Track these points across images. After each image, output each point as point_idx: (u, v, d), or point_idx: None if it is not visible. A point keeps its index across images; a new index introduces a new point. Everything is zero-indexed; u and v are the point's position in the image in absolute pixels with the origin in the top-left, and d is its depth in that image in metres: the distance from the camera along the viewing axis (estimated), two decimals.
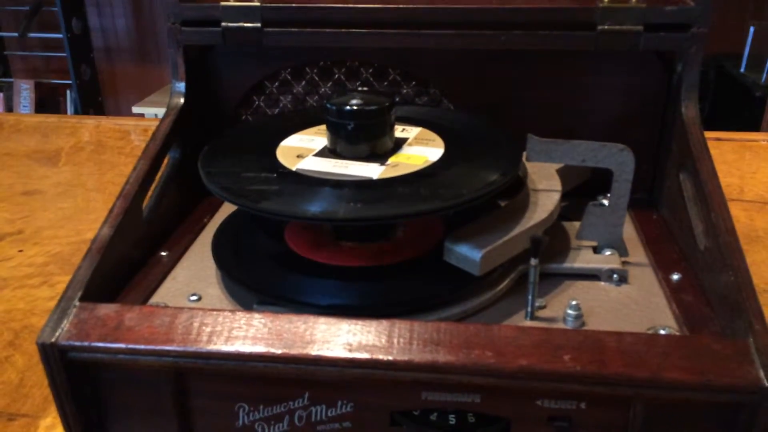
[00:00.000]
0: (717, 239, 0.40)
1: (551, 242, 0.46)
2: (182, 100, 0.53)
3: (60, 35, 2.63)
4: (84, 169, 1.03)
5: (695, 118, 0.48)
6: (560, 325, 0.40)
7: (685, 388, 0.33)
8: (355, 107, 0.42)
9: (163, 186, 0.50)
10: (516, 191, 0.45)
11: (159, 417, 0.39)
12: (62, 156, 1.08)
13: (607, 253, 0.45)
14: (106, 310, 0.38)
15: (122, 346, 0.36)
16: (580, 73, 0.53)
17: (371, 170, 0.42)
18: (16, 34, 2.72)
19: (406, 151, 0.44)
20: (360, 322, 0.36)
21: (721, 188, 0.43)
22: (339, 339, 0.36)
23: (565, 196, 0.50)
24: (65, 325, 0.37)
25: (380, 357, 0.35)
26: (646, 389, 0.34)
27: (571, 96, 0.54)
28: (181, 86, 0.53)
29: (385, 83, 0.56)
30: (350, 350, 0.35)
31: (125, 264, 0.45)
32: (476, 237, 0.40)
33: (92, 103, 2.75)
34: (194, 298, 0.43)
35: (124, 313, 0.38)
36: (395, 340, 0.36)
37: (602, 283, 0.44)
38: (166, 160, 0.52)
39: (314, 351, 0.35)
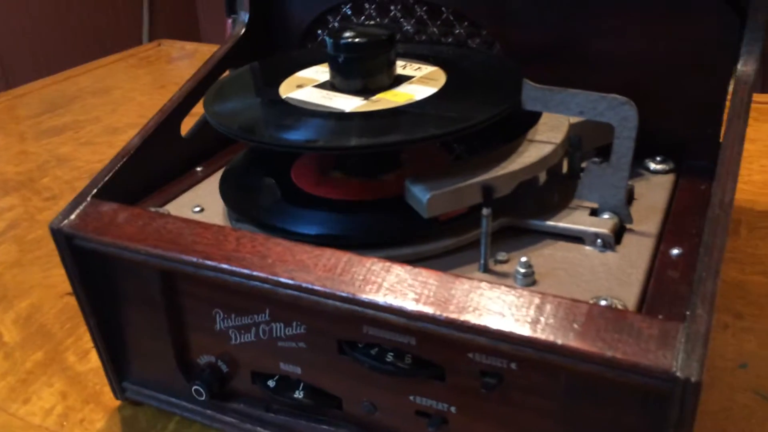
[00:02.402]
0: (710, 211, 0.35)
1: (549, 198, 0.43)
2: (243, 30, 0.57)
3: None
4: None
5: (749, 76, 0.41)
6: (510, 282, 0.38)
7: (584, 360, 0.30)
8: (347, 40, 0.42)
9: None
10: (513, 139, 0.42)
11: (154, 311, 0.45)
12: None
13: (605, 216, 0.41)
14: (107, 207, 0.43)
15: (109, 240, 0.42)
16: (647, 20, 0.48)
17: (350, 104, 0.42)
18: None
19: (401, 89, 0.44)
20: (300, 247, 0.38)
21: (738, 158, 0.37)
22: (276, 261, 0.37)
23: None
24: (73, 216, 0.43)
25: (307, 282, 0.36)
26: (535, 351, 0.31)
27: (634, 45, 0.49)
28: (245, 16, 0.57)
29: (438, 22, 0.55)
30: (284, 272, 0.37)
31: (157, 173, 0.50)
32: (435, 180, 0.39)
33: None
34: (197, 209, 0.47)
35: (119, 212, 0.43)
36: (322, 267, 0.37)
37: (587, 247, 0.40)
38: None
39: (257, 270, 0.37)
